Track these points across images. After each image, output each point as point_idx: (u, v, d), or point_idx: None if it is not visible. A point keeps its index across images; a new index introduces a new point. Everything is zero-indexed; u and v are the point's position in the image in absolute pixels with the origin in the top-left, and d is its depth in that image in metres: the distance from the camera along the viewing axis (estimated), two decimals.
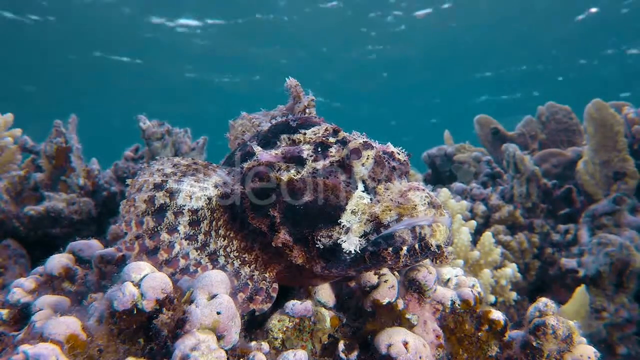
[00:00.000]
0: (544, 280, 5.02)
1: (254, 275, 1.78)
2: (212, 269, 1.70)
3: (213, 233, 1.80)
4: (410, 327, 1.79)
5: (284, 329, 1.70)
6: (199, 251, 1.75)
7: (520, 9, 21.69)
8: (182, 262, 1.69)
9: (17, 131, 4.27)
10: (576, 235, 5.13)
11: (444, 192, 4.31)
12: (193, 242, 1.75)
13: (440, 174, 7.29)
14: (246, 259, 1.81)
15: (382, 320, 1.79)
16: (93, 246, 2.26)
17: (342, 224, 1.58)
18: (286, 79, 2.28)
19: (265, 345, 1.58)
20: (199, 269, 1.70)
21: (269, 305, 1.73)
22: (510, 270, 3.79)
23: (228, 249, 1.81)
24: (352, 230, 1.57)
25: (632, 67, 26.13)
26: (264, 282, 1.77)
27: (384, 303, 1.79)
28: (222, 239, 1.81)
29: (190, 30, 24.35)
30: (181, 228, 1.75)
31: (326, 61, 27.66)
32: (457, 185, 6.00)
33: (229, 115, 2.52)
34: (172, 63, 27.54)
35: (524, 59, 26.92)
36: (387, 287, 1.81)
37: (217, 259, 1.76)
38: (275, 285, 1.79)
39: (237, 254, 1.81)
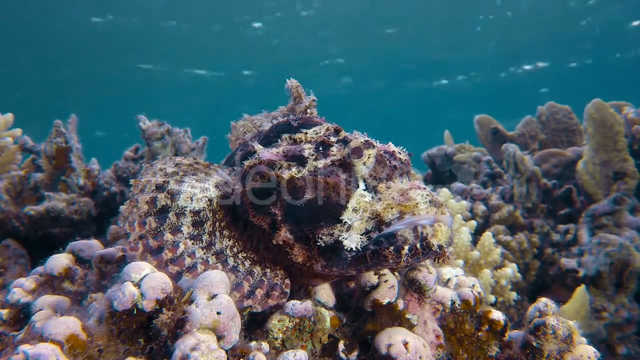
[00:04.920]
0: (544, 280, 5.02)
1: (266, 272, 1.79)
2: (223, 269, 1.70)
3: (217, 233, 1.81)
4: (410, 327, 1.79)
5: (284, 329, 1.70)
6: (205, 250, 1.75)
7: None
8: (188, 261, 1.70)
9: (17, 131, 4.26)
10: (576, 235, 5.13)
11: (444, 192, 4.31)
12: (198, 242, 1.76)
13: (440, 174, 7.28)
14: (255, 258, 1.83)
15: (382, 320, 1.79)
16: (93, 246, 2.26)
17: (344, 221, 1.58)
18: (287, 80, 2.28)
19: (265, 345, 1.58)
20: (207, 267, 1.70)
21: (285, 300, 1.75)
22: (510, 270, 3.79)
23: (235, 249, 1.82)
24: (353, 228, 1.57)
25: None
26: (277, 278, 1.79)
27: (384, 303, 1.79)
28: (227, 239, 1.82)
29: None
30: (185, 229, 1.75)
31: None
32: (457, 185, 6.00)
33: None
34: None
35: None
36: (387, 287, 1.81)
37: (226, 259, 1.77)
38: (288, 281, 1.80)
39: (245, 254, 1.83)
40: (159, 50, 26.15)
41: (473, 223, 3.90)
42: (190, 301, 1.46)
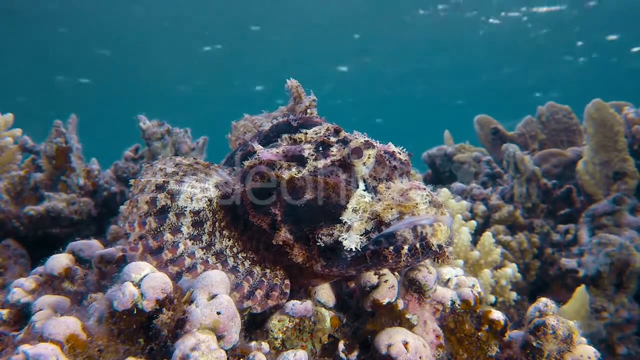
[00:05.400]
0: (544, 280, 5.02)
1: (266, 272, 1.80)
2: (223, 269, 1.70)
3: (217, 233, 1.81)
4: (410, 327, 1.79)
5: (284, 329, 1.70)
6: (204, 250, 1.75)
7: None
8: (187, 261, 1.70)
9: (17, 131, 4.26)
10: (576, 235, 5.13)
11: (444, 192, 4.31)
12: (198, 242, 1.76)
13: (440, 174, 7.28)
14: (255, 258, 1.83)
15: (382, 320, 1.79)
16: (93, 246, 2.26)
17: (344, 221, 1.58)
18: (287, 80, 2.28)
19: (265, 345, 1.58)
20: (207, 267, 1.70)
21: (284, 301, 1.75)
22: (510, 270, 3.78)
23: (235, 249, 1.82)
24: (353, 228, 1.57)
25: None
26: (276, 278, 1.79)
27: (384, 303, 1.79)
28: (227, 239, 1.82)
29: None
30: (184, 229, 1.76)
31: None
32: (457, 185, 6.00)
33: None
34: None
35: None
36: (387, 287, 1.81)
37: (226, 259, 1.77)
38: (287, 282, 1.80)
39: (245, 254, 1.83)
40: (162, 61, 26.33)
41: (473, 223, 3.90)
42: (190, 301, 1.46)
